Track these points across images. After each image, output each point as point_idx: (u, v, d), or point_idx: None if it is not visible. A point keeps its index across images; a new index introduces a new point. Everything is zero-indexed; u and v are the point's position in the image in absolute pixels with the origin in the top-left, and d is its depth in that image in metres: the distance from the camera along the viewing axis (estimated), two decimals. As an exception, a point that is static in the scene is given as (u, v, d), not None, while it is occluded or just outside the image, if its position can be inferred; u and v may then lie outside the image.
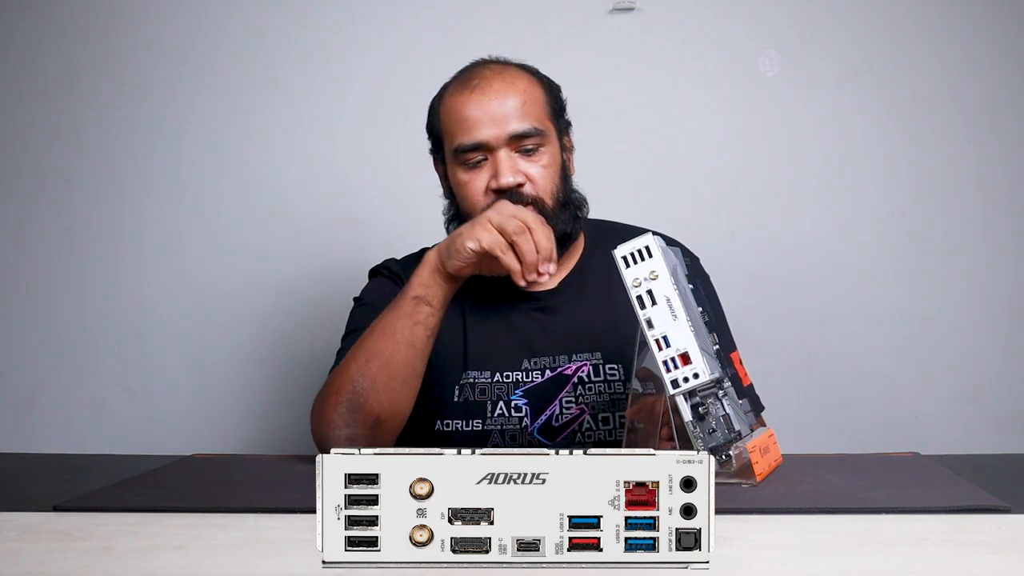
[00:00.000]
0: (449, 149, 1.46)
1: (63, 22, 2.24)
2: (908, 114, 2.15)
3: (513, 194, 1.40)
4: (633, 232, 1.53)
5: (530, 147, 1.43)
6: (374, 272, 1.57)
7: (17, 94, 2.25)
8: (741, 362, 1.37)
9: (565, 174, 1.49)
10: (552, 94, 1.50)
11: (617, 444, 1.41)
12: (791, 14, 2.16)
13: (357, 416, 1.33)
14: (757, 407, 1.43)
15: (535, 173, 1.43)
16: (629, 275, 1.12)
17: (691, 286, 1.20)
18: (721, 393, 1.14)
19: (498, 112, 1.42)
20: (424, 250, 1.57)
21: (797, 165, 2.17)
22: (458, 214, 1.48)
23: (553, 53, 2.15)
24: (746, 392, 1.24)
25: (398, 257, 1.59)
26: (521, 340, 1.47)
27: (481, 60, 1.51)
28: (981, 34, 2.15)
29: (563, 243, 1.45)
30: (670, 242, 1.47)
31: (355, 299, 1.54)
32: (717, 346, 1.20)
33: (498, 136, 1.41)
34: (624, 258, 1.13)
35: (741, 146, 2.17)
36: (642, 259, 1.12)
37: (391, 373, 1.33)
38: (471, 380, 1.46)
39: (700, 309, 1.19)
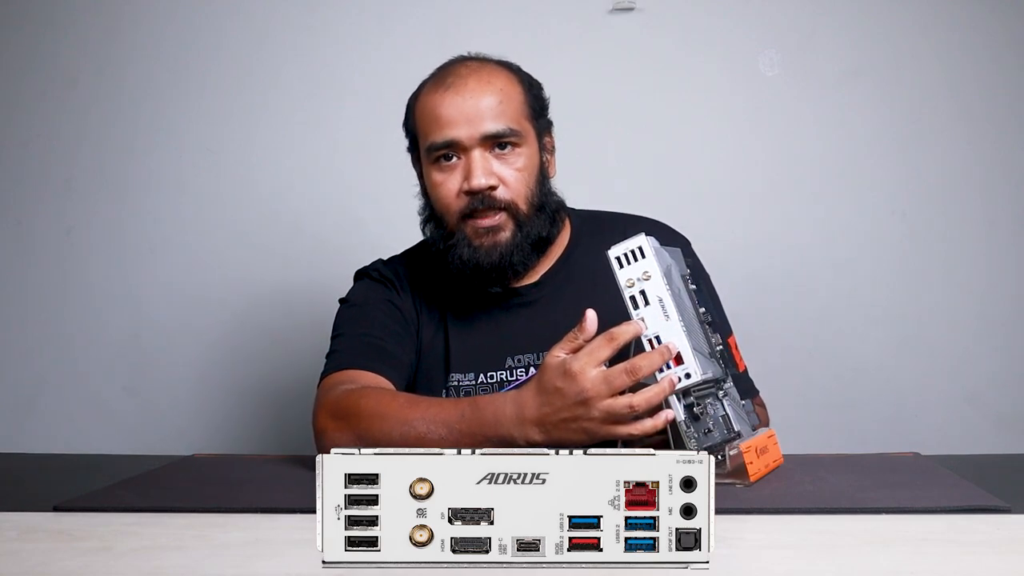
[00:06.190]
0: (423, 147, 1.42)
1: (63, 22, 2.24)
2: (908, 114, 2.15)
3: (485, 197, 1.37)
4: (619, 220, 1.52)
5: (505, 148, 1.38)
6: (361, 275, 1.54)
7: (17, 94, 2.25)
8: (737, 346, 1.36)
9: (543, 176, 1.43)
10: (532, 93, 1.44)
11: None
12: (791, 14, 2.16)
13: (363, 444, 1.29)
14: (751, 391, 1.43)
15: (509, 176, 1.38)
16: (622, 275, 1.13)
17: (694, 287, 1.20)
18: (721, 393, 1.14)
19: (472, 111, 1.36)
20: (409, 252, 1.55)
21: (797, 165, 2.16)
22: (432, 215, 1.44)
23: (553, 53, 2.16)
24: (739, 376, 1.24)
25: (384, 257, 1.56)
26: (503, 338, 1.44)
27: (460, 57, 1.46)
28: (981, 34, 2.15)
29: (540, 248, 1.43)
30: (672, 237, 1.47)
31: (341, 300, 1.51)
32: (721, 346, 1.20)
33: (471, 136, 1.37)
34: (617, 259, 1.13)
35: (741, 146, 2.17)
36: (635, 259, 1.12)
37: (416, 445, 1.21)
38: (456, 383, 1.43)
39: (703, 310, 1.18)
